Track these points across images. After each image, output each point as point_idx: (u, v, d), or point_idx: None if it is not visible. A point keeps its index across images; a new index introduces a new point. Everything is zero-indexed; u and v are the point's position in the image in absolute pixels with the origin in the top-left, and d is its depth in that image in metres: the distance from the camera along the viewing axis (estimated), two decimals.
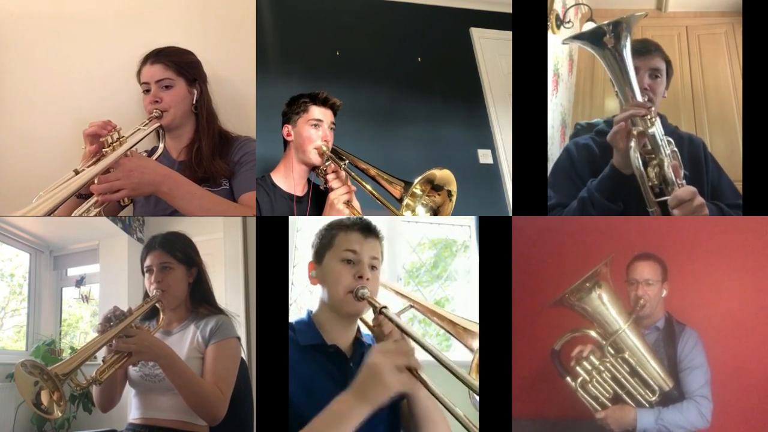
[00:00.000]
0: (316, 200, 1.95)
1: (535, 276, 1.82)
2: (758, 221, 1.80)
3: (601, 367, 1.69)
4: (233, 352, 1.73)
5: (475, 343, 1.29)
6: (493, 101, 2.91)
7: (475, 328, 1.32)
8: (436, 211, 1.84)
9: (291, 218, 1.87)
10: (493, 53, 2.98)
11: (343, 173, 1.87)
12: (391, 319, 1.40)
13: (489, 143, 2.88)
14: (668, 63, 1.83)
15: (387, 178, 1.85)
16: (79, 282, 2.98)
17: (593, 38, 1.72)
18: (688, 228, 1.83)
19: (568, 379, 1.70)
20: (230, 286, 2.37)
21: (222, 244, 2.41)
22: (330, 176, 1.88)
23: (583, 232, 1.85)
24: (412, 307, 1.50)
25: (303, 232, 2.39)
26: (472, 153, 2.84)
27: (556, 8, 2.37)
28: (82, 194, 1.65)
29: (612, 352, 1.69)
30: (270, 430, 1.71)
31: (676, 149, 1.67)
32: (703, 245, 1.83)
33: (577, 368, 1.69)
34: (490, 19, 3.01)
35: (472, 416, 1.23)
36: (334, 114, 1.96)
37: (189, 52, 1.90)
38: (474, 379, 1.22)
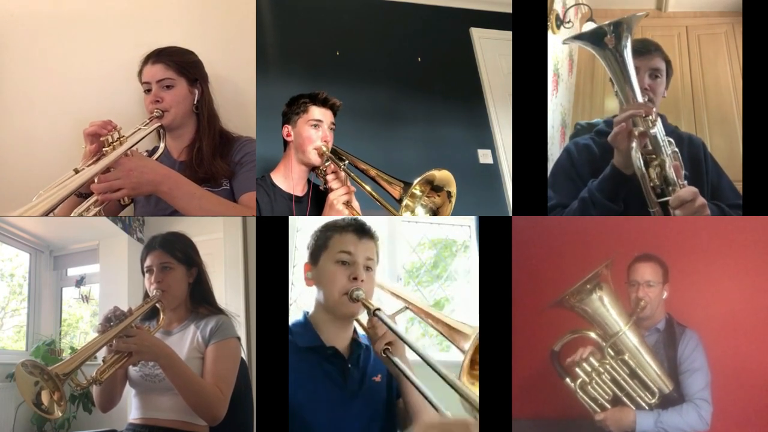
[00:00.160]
0: (315, 200, 1.95)
1: (535, 276, 1.81)
2: (758, 221, 1.80)
3: (601, 369, 1.68)
4: (233, 352, 1.73)
5: (467, 345, 1.29)
6: (493, 101, 2.91)
7: (468, 330, 1.32)
8: (435, 212, 1.84)
9: (291, 218, 1.87)
10: (493, 53, 2.98)
11: (342, 174, 1.87)
12: (383, 322, 1.40)
13: (489, 143, 2.88)
14: (668, 63, 1.83)
15: (386, 178, 1.85)
16: (79, 282, 2.98)
17: (594, 38, 1.72)
18: (689, 228, 1.82)
19: (568, 380, 1.69)
20: (230, 286, 2.37)
21: (222, 244, 2.41)
22: (330, 177, 1.89)
23: (584, 233, 1.85)
24: (407, 308, 1.50)
25: (303, 233, 2.39)
26: (472, 153, 2.84)
27: (556, 8, 2.37)
28: (82, 193, 1.65)
29: (612, 353, 1.69)
30: (270, 430, 1.71)
31: (677, 150, 1.67)
32: (704, 246, 1.83)
33: (577, 369, 1.69)
34: (490, 19, 3.01)
35: (464, 416, 1.24)
36: (334, 114, 1.96)
37: (190, 52, 1.90)
38: (464, 382, 1.23)
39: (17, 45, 1.98)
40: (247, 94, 2.04)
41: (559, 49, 2.45)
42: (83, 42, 2.02)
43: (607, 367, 1.68)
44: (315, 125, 1.91)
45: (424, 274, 2.83)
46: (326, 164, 1.90)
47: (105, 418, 1.85)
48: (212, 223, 2.33)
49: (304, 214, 1.93)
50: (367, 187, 1.85)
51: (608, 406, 1.68)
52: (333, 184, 1.86)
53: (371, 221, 1.56)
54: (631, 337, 1.69)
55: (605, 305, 1.69)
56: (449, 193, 1.83)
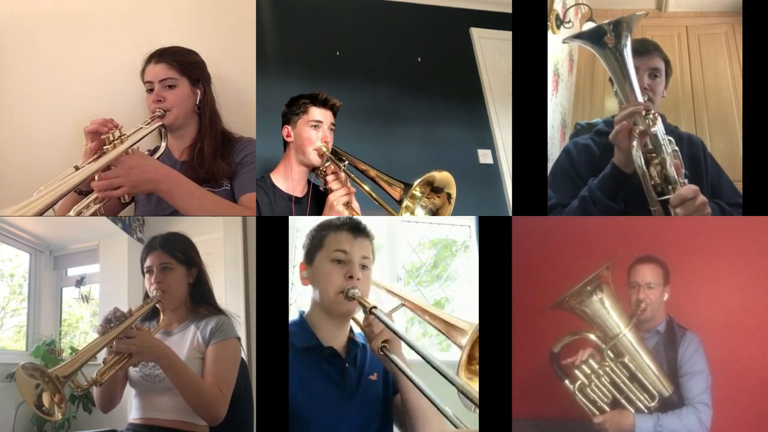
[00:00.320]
0: (315, 201, 1.95)
1: (535, 276, 1.81)
2: (759, 221, 1.80)
3: (600, 371, 1.67)
4: (233, 352, 1.73)
5: (464, 340, 1.29)
6: (493, 101, 2.91)
7: (465, 326, 1.32)
8: (435, 213, 1.84)
9: (291, 218, 1.87)
10: (493, 53, 2.98)
11: (342, 174, 1.87)
12: (380, 319, 1.40)
13: (489, 143, 2.87)
14: (667, 63, 1.83)
15: (386, 179, 1.85)
16: (79, 282, 2.98)
17: (594, 37, 1.72)
18: (690, 229, 1.82)
19: (567, 382, 1.69)
20: (230, 287, 2.37)
21: (222, 244, 2.41)
22: (330, 177, 1.88)
23: (584, 233, 1.84)
24: (403, 305, 1.50)
25: (303, 233, 2.39)
26: (472, 153, 2.84)
27: (556, 8, 2.37)
28: (83, 191, 1.65)
29: (612, 356, 1.68)
30: (270, 430, 1.72)
31: (677, 148, 1.67)
32: (705, 246, 1.82)
33: (576, 371, 1.68)
34: (490, 19, 3.01)
35: (463, 414, 1.24)
36: (334, 115, 1.96)
37: (193, 52, 1.90)
38: (462, 378, 1.23)
39: (18, 45, 1.98)
40: (247, 94, 2.04)
41: (559, 49, 2.45)
42: (83, 42, 2.02)
43: (607, 369, 1.67)
44: (315, 126, 1.91)
45: (424, 274, 2.83)
46: (326, 165, 1.90)
47: (105, 418, 1.85)
48: (212, 223, 2.33)
49: (303, 214, 1.93)
50: (366, 188, 1.85)
51: (607, 408, 1.67)
52: (333, 184, 1.86)
53: (370, 221, 1.56)
54: (631, 340, 1.68)
55: (605, 307, 1.68)
56: (449, 195, 1.83)
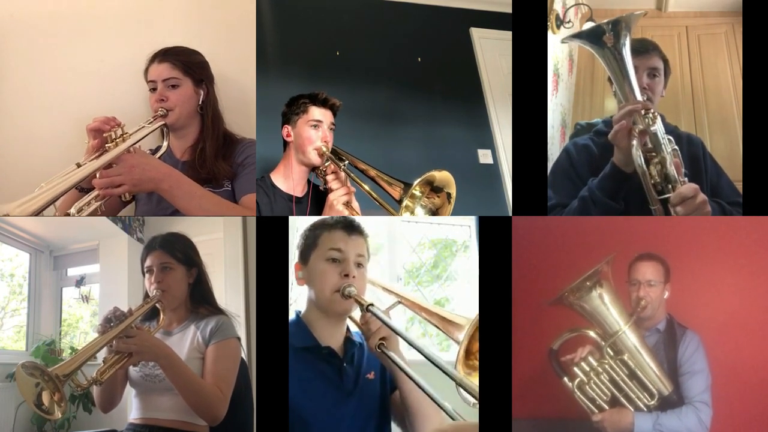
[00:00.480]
0: (315, 201, 1.95)
1: (535, 276, 1.81)
2: (759, 221, 1.80)
3: (600, 369, 1.67)
4: (233, 352, 1.73)
5: (461, 335, 1.29)
6: (493, 101, 2.91)
7: (462, 321, 1.32)
8: (434, 213, 1.84)
9: (291, 218, 1.87)
10: (493, 53, 2.98)
11: (342, 174, 1.87)
12: (377, 316, 1.40)
13: (489, 143, 2.88)
14: (666, 62, 1.83)
15: (386, 179, 1.85)
16: (79, 282, 2.98)
17: (592, 37, 1.72)
18: (690, 228, 1.82)
19: (566, 379, 1.68)
20: (230, 286, 2.37)
21: (222, 244, 2.41)
22: (329, 177, 1.89)
23: (584, 232, 1.84)
24: (400, 303, 1.50)
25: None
26: (472, 153, 2.84)
27: (556, 8, 2.37)
28: (84, 188, 1.65)
29: (611, 353, 1.67)
30: (270, 430, 1.72)
31: (677, 147, 1.67)
32: (705, 246, 1.82)
33: (575, 369, 1.67)
34: (490, 19, 3.01)
35: (462, 409, 1.24)
36: (334, 114, 1.96)
37: (197, 52, 1.90)
38: (460, 372, 1.23)
39: (19, 45, 1.99)
40: (247, 94, 2.04)
41: (559, 49, 2.45)
42: (83, 41, 2.03)
43: (606, 367, 1.67)
44: (315, 125, 1.91)
45: (424, 274, 2.83)
46: (326, 164, 1.90)
47: (105, 418, 1.85)
48: (212, 223, 2.33)
49: (304, 214, 1.93)
50: (366, 187, 1.85)
51: (606, 407, 1.66)
52: (333, 184, 1.86)
53: (371, 221, 1.56)
54: (630, 337, 1.67)
55: (605, 303, 1.68)
56: (449, 194, 1.83)
